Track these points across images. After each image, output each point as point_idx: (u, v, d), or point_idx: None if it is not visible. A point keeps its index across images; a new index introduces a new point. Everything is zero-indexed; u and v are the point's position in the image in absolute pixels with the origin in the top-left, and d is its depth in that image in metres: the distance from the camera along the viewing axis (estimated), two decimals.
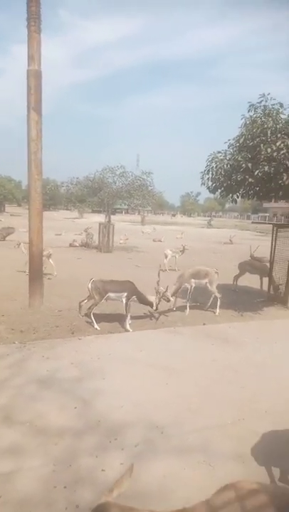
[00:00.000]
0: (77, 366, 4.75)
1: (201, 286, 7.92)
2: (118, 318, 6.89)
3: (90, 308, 6.57)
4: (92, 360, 4.97)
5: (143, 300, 6.86)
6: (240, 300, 9.19)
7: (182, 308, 7.84)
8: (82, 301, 6.94)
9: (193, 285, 7.70)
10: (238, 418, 3.78)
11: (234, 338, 6.21)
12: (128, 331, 6.34)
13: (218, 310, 7.78)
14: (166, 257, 13.42)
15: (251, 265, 10.55)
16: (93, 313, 6.47)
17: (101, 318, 6.89)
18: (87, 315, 6.61)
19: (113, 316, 7.04)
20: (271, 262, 9.27)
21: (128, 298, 6.55)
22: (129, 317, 6.53)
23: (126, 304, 6.54)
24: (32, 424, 3.51)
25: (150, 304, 6.94)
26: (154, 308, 6.98)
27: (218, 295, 7.82)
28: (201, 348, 5.66)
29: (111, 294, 6.53)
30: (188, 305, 7.68)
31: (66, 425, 3.52)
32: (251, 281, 11.46)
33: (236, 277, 10.51)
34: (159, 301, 7.02)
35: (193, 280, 7.68)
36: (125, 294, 6.54)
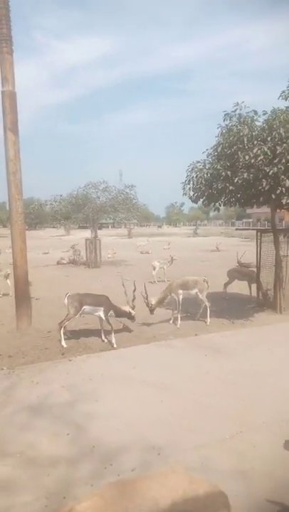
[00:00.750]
0: (68, 389, 4.60)
1: (191, 297, 7.84)
2: (106, 334, 6.77)
3: (61, 322, 6.36)
4: (83, 381, 4.83)
5: (120, 313, 6.74)
6: (230, 307, 9.15)
7: (171, 320, 7.75)
8: (63, 321, 6.66)
9: (182, 296, 7.60)
10: (235, 432, 3.68)
11: (226, 347, 6.14)
12: (113, 346, 6.21)
13: (208, 319, 7.71)
14: (154, 268, 13.37)
15: (239, 272, 10.58)
16: (82, 329, 6.34)
17: (89, 333, 6.78)
18: (58, 330, 6.39)
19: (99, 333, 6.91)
20: (258, 268, 9.30)
21: (106, 313, 6.43)
22: (113, 333, 6.39)
23: (106, 319, 6.42)
24: (23, 455, 3.36)
25: (128, 315, 6.81)
26: (133, 319, 6.93)
27: (208, 304, 7.74)
28: (194, 361, 5.56)
29: (87, 308, 6.39)
30: (179, 316, 7.58)
31: (59, 454, 3.38)
32: (241, 287, 11.48)
33: (226, 285, 10.52)
34: (148, 306, 7.02)
35: (181, 291, 7.57)
36: (102, 308, 6.42)
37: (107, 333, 6.73)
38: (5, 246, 23.47)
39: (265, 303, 9.05)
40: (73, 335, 6.85)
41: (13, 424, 3.86)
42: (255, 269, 9.72)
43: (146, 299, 7.37)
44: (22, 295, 7.50)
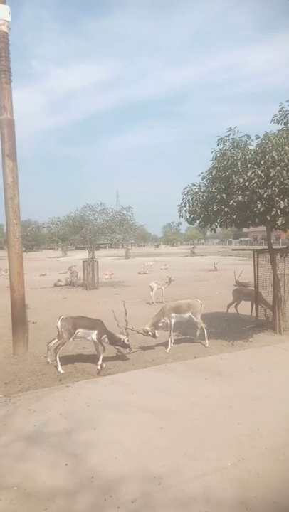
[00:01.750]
0: (66, 417, 4.51)
1: (184, 320, 7.76)
2: (105, 359, 6.70)
3: (56, 348, 6.26)
4: (81, 408, 4.74)
5: (114, 340, 6.56)
6: (229, 328, 9.10)
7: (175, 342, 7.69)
8: (51, 341, 6.59)
9: (174, 320, 7.47)
10: (237, 459, 3.61)
11: (226, 370, 6.07)
12: (99, 372, 6.08)
13: (206, 341, 7.61)
14: (152, 289, 13.34)
15: (243, 292, 10.46)
16: (79, 354, 6.25)
17: (87, 358, 6.70)
18: (54, 356, 6.28)
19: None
20: (256, 288, 9.31)
21: (98, 336, 6.31)
22: (102, 357, 6.29)
23: (97, 342, 6.31)
24: (20, 488, 3.26)
25: (121, 343, 6.62)
26: (128, 349, 6.72)
27: (204, 325, 7.65)
28: (194, 385, 5.49)
29: (80, 331, 6.28)
30: (170, 341, 7.39)
31: (57, 486, 3.28)
32: (240, 308, 11.45)
33: (229, 305, 10.38)
34: (128, 341, 6.73)
35: (174, 314, 7.45)
36: (95, 332, 6.31)
37: (105, 358, 6.68)
38: (2, 267, 23.45)
39: (264, 323, 9.01)
40: (70, 360, 6.76)
41: (9, 455, 3.76)
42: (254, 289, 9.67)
43: (139, 330, 7.20)
44: (19, 319, 7.44)
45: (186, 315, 7.57)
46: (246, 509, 2.95)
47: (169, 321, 7.40)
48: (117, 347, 6.86)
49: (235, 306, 10.32)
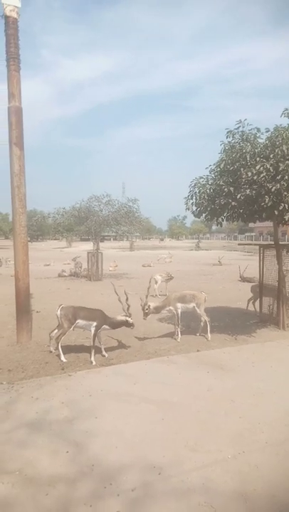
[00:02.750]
0: (68, 405, 4.54)
1: (189, 311, 7.76)
2: (108, 350, 6.73)
3: (57, 337, 6.28)
4: (83, 397, 4.77)
5: (116, 323, 6.54)
6: (233, 323, 9.08)
7: (172, 334, 7.70)
8: (52, 331, 6.60)
9: (180, 310, 7.51)
10: (238, 452, 3.62)
11: (229, 364, 6.07)
12: (92, 363, 6.07)
13: (209, 335, 7.62)
14: (155, 282, 13.34)
15: (264, 288, 10.16)
16: (82, 344, 6.27)
17: (90, 348, 6.72)
18: (56, 345, 6.32)
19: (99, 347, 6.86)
20: (261, 283, 9.27)
21: (97, 328, 6.28)
22: (94, 351, 6.25)
23: (94, 334, 6.27)
24: (21, 474, 3.30)
25: (125, 323, 6.58)
26: (132, 326, 6.67)
27: (207, 318, 7.66)
28: (196, 378, 5.50)
29: (80, 322, 6.27)
30: (179, 330, 7.49)
31: (58, 472, 3.32)
32: (244, 302, 11.43)
33: (249, 301, 10.17)
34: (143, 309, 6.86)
35: (179, 304, 7.49)
36: (94, 323, 6.28)
37: (107, 349, 6.71)
38: (7, 257, 23.56)
39: (268, 318, 8.98)
40: (73, 349, 6.80)
41: (11, 441, 3.80)
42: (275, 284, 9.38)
43: (146, 300, 7.23)
44: (23, 308, 7.48)
45: (190, 305, 7.61)
46: (245, 501, 2.96)
47: (175, 311, 7.46)
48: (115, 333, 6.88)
49: (253, 303, 10.09)
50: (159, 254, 31.18)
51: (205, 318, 7.66)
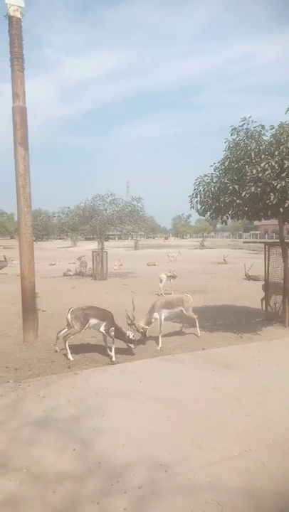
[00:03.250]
0: (74, 404, 4.57)
1: (176, 315, 7.77)
2: (124, 350, 6.75)
3: (66, 336, 6.28)
4: (89, 396, 4.79)
5: (120, 334, 6.49)
6: (238, 321, 9.06)
7: (177, 333, 7.71)
8: (60, 331, 6.59)
9: (164, 315, 7.39)
10: (244, 449, 3.61)
11: (234, 362, 6.07)
12: (113, 361, 6.10)
13: (198, 331, 7.71)
14: (160, 281, 13.35)
15: (275, 286, 10.02)
16: (88, 343, 6.29)
17: (96, 347, 6.76)
18: (64, 344, 6.32)
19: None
20: (266, 281, 9.23)
21: (107, 328, 6.30)
22: (113, 347, 6.27)
23: (107, 333, 6.29)
24: (29, 471, 3.32)
25: (127, 340, 6.51)
26: (133, 345, 6.57)
27: (195, 316, 7.70)
28: (202, 376, 5.50)
29: (92, 321, 6.28)
30: (160, 337, 7.15)
31: (65, 470, 3.34)
32: (249, 300, 11.42)
33: (263, 300, 9.89)
34: (134, 336, 6.59)
35: (165, 310, 7.39)
36: (104, 323, 6.30)
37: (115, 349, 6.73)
38: (13, 257, 23.69)
39: (274, 316, 8.95)
40: (79, 348, 6.82)
41: (19, 439, 3.83)
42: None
43: (133, 322, 6.90)
44: (29, 307, 7.52)
45: (178, 309, 7.58)
46: (252, 499, 2.96)
47: (159, 317, 7.28)
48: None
49: (262, 300, 10.00)
50: (169, 253, 31.19)
51: (193, 316, 7.71)
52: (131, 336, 6.53)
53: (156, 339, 7.33)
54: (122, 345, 6.68)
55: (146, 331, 7.26)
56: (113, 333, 6.43)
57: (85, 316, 6.26)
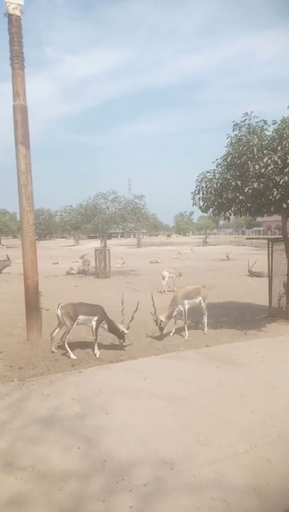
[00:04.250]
0: (78, 402, 4.56)
1: (195, 306, 7.80)
2: (116, 347, 6.74)
3: (63, 336, 6.31)
4: (94, 394, 4.79)
5: (112, 328, 6.54)
6: (242, 318, 9.04)
7: (181, 330, 7.68)
8: (53, 331, 6.59)
9: (188, 306, 7.51)
10: (250, 446, 3.60)
11: (239, 359, 6.04)
12: (96, 355, 6.17)
13: (205, 327, 7.78)
14: (163, 278, 13.33)
15: None
16: (91, 341, 6.27)
17: (99, 345, 6.74)
18: (64, 344, 6.34)
19: (112, 345, 6.87)
20: (270, 277, 9.19)
21: (98, 322, 6.32)
22: (97, 343, 6.36)
23: (96, 328, 6.32)
24: (34, 470, 3.32)
25: (119, 334, 6.59)
26: (122, 340, 6.66)
27: (206, 312, 7.84)
28: (206, 373, 5.48)
29: (81, 317, 6.29)
30: (186, 327, 7.45)
31: (70, 468, 3.34)
32: (253, 297, 11.39)
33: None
34: (156, 324, 6.80)
35: (186, 301, 7.48)
36: (95, 318, 6.32)
37: (117, 345, 6.72)
38: (16, 256, 23.73)
39: (277, 313, 8.91)
40: (82, 346, 6.83)
41: (23, 437, 3.83)
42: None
43: (156, 316, 7.12)
44: (32, 306, 7.53)
45: (197, 300, 7.68)
46: (258, 496, 2.95)
47: (183, 308, 7.42)
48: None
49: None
50: (181, 250, 31.27)
51: (205, 311, 7.81)
52: (123, 332, 6.57)
53: (161, 336, 7.32)
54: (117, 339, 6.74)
55: (164, 327, 7.27)
56: (106, 326, 6.46)
57: (74, 312, 6.26)
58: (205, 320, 7.82)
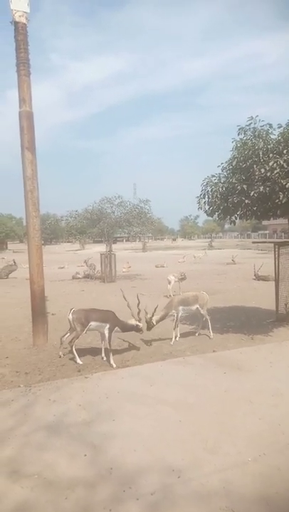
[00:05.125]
0: (85, 408, 4.54)
1: (192, 313, 7.77)
2: (123, 351, 6.72)
3: (71, 341, 6.27)
4: (100, 400, 4.76)
5: (126, 328, 6.52)
6: (249, 322, 8.96)
7: (187, 335, 7.65)
8: (64, 335, 6.57)
9: (181, 312, 7.45)
10: (258, 454, 3.54)
11: (246, 364, 5.98)
12: (112, 366, 6.02)
13: (211, 332, 7.69)
14: (169, 282, 13.29)
15: None
16: (98, 347, 6.26)
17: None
18: (70, 349, 6.33)
19: (117, 350, 6.84)
20: (276, 281, 9.12)
21: (111, 329, 6.26)
22: (111, 353, 6.24)
23: (109, 336, 6.24)
24: (40, 477, 3.30)
25: (135, 328, 6.58)
26: (141, 331, 6.72)
27: (208, 317, 7.75)
28: (213, 378, 5.43)
29: (93, 324, 6.24)
30: (174, 334, 7.37)
31: (76, 475, 3.31)
32: (259, 301, 11.31)
33: None
34: (147, 323, 6.82)
35: (181, 307, 7.42)
36: (108, 325, 6.25)
37: (122, 350, 6.70)
38: (22, 261, 23.84)
39: (284, 317, 8.82)
40: (89, 352, 6.81)
41: (30, 444, 3.81)
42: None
43: (147, 315, 7.08)
44: (38, 311, 7.53)
45: (194, 307, 7.59)
46: (268, 505, 2.89)
47: (176, 314, 7.36)
48: (126, 336, 6.85)
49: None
50: (194, 254, 31.29)
51: (206, 317, 7.72)
52: (139, 326, 6.61)
53: (166, 341, 7.29)
54: (123, 344, 6.68)
55: (152, 327, 7.20)
56: (120, 330, 6.45)
57: (86, 318, 6.23)
58: (208, 325, 7.73)
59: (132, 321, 6.57)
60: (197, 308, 7.59)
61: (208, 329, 7.73)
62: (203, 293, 7.94)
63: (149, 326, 7.12)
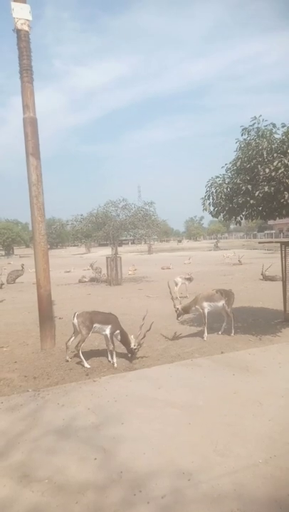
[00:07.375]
0: (94, 411, 4.54)
1: (218, 310, 7.82)
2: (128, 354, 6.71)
3: (78, 345, 6.29)
4: (109, 403, 4.76)
5: (124, 340, 6.44)
6: (257, 323, 8.91)
7: (195, 335, 7.62)
8: (69, 340, 6.57)
9: (206, 309, 7.56)
10: (269, 456, 3.51)
11: (255, 365, 5.94)
12: (114, 365, 6.13)
13: (232, 332, 7.79)
14: (176, 284, 13.26)
15: None
16: (105, 349, 6.26)
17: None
18: (78, 353, 6.33)
19: (125, 353, 6.84)
20: (283, 281, 9.06)
21: (112, 331, 6.29)
22: (114, 353, 6.33)
23: (111, 338, 6.28)
24: (51, 481, 3.30)
25: (129, 349, 6.43)
26: (131, 354, 6.46)
27: (232, 315, 7.86)
28: (222, 380, 5.40)
29: (97, 326, 6.28)
30: (206, 329, 7.59)
31: (87, 479, 3.30)
32: (265, 301, 11.25)
33: None
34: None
35: (206, 303, 7.56)
36: (109, 326, 6.30)
37: (127, 354, 6.69)
38: (28, 266, 23.98)
39: None
40: (96, 355, 6.82)
41: (40, 448, 3.82)
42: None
43: (174, 303, 7.55)
44: (46, 315, 7.56)
45: (220, 303, 7.68)
46: (280, 507, 2.87)
47: (202, 310, 7.54)
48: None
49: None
50: (224, 254, 31.55)
51: (230, 315, 7.81)
52: (133, 347, 6.40)
53: (174, 343, 7.27)
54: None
55: (180, 314, 7.71)
56: (119, 336, 6.43)
57: (90, 320, 6.26)
58: (232, 323, 7.86)
59: (132, 338, 6.45)
60: (223, 305, 7.69)
61: (231, 327, 7.85)
62: (231, 290, 8.07)
63: (177, 313, 7.64)
